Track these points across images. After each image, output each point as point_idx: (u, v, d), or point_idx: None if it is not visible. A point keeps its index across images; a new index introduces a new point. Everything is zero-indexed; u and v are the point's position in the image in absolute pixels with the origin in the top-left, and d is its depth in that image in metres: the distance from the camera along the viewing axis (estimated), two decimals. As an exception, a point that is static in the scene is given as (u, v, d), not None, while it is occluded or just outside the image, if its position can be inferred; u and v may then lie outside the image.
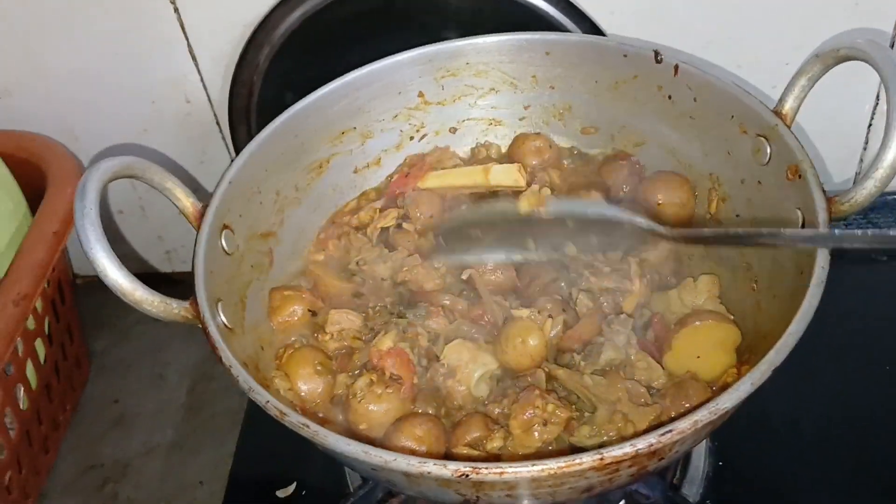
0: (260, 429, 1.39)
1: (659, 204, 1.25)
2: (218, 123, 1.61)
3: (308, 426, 0.87)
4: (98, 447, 1.62)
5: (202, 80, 1.54)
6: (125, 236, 1.82)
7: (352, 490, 1.25)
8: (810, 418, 1.30)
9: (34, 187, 1.50)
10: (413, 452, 1.01)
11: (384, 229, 1.28)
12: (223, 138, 1.63)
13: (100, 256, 0.93)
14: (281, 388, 1.09)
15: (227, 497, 1.31)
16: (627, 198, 1.29)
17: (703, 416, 0.83)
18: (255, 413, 0.94)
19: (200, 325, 0.98)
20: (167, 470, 1.57)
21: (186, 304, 1.00)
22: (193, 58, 1.51)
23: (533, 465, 0.81)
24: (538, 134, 1.38)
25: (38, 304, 1.43)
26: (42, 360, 1.47)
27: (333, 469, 1.30)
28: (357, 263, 1.25)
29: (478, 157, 1.40)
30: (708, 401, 0.85)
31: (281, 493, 1.28)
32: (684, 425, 0.83)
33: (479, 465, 0.81)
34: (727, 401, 0.84)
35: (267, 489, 1.29)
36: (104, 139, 1.64)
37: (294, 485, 1.28)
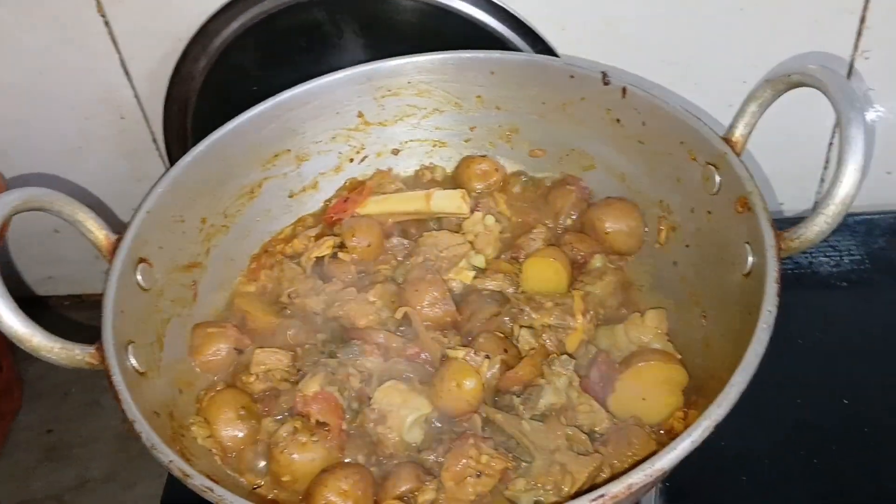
0: None
1: (607, 232, 1.18)
2: (154, 140, 1.54)
3: (212, 490, 0.80)
4: (29, 480, 1.55)
5: (136, 94, 1.47)
6: (61, 256, 1.74)
7: None
8: (766, 451, 1.23)
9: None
10: (337, 508, 0.94)
11: (319, 259, 1.21)
12: (160, 155, 1.56)
13: (-8, 301, 0.85)
14: (199, 437, 1.01)
15: None
16: (575, 225, 1.23)
17: (638, 478, 0.77)
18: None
19: (105, 373, 0.91)
20: None
21: (91, 349, 0.92)
22: (126, 72, 1.43)
23: None
24: (484, 156, 1.31)
25: None
26: None
27: None
28: (289, 296, 1.17)
29: (422, 179, 1.33)
30: (653, 454, 0.79)
31: None
32: (617, 489, 0.77)
33: None
34: (664, 462, 0.78)
35: None
36: (34, 156, 1.57)
37: None
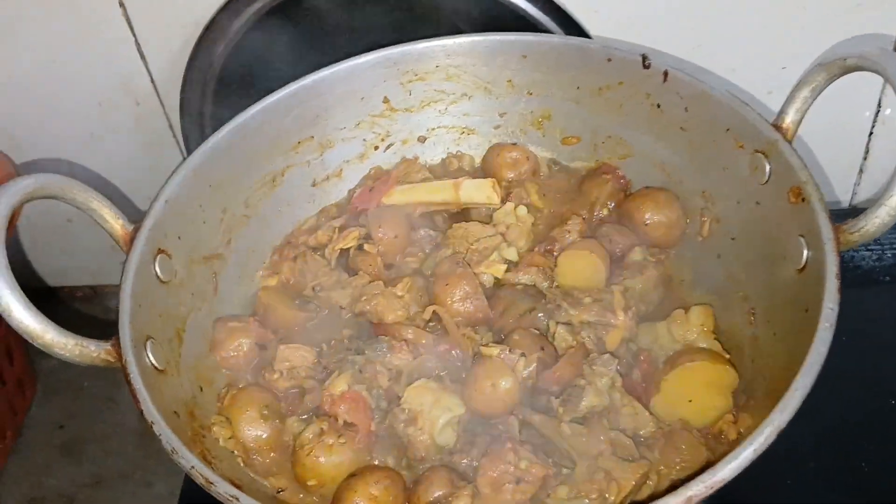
0: None
1: (646, 224, 1.12)
2: (171, 128, 1.48)
3: (238, 499, 0.74)
4: (42, 478, 1.51)
5: (152, 80, 1.41)
6: (75, 247, 1.68)
7: None
8: (810, 452, 1.17)
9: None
10: (367, 515, 0.88)
11: (344, 251, 1.15)
12: (178, 144, 1.50)
13: (3, 293, 0.80)
14: (221, 437, 0.96)
15: None
16: (611, 216, 1.16)
17: (698, 490, 0.72)
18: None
19: (122, 371, 0.85)
20: None
21: (108, 345, 0.87)
22: (142, 56, 1.38)
23: None
24: (514, 144, 1.25)
25: None
26: None
27: None
28: (313, 289, 1.11)
29: (449, 168, 1.26)
30: (704, 460, 0.73)
31: None
32: (676, 501, 0.70)
33: None
34: (725, 472, 0.73)
35: None
36: (49, 145, 1.52)
37: None
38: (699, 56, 1.29)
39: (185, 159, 1.06)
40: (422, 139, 1.27)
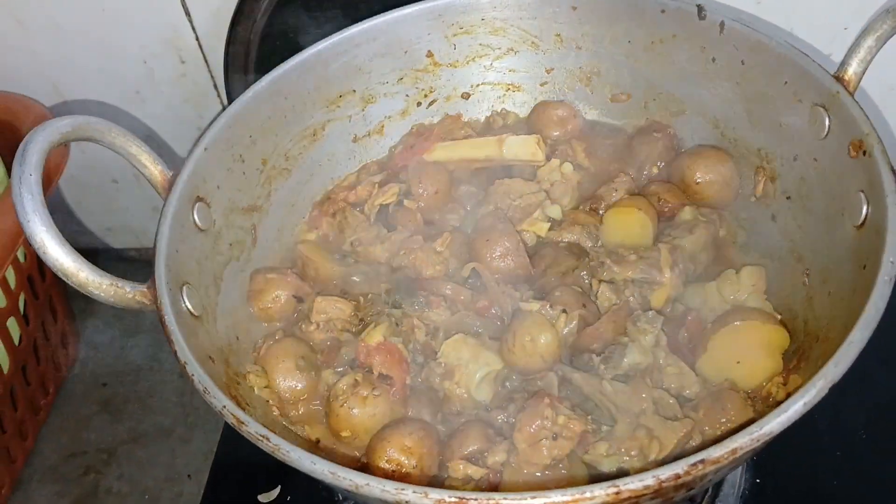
0: None
1: (697, 182, 1.09)
2: (215, 86, 1.48)
3: (268, 439, 0.73)
4: (82, 433, 1.53)
5: (197, 37, 1.41)
6: (121, 208, 1.70)
7: (341, 499, 1.12)
8: (861, 424, 1.14)
9: (13, 149, 1.37)
10: (400, 465, 0.87)
11: (384, 207, 1.14)
12: (221, 101, 1.50)
13: (38, 230, 0.80)
14: (256, 386, 0.95)
15: (205, 497, 1.18)
16: (661, 175, 1.13)
17: (744, 442, 0.69)
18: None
19: (156, 313, 0.85)
20: (153, 460, 1.47)
21: (143, 287, 0.87)
22: (187, 13, 1.37)
23: (533, 497, 0.67)
24: (562, 102, 1.22)
25: (11, 278, 1.31)
26: (16, 341, 1.36)
27: None
28: (352, 244, 1.10)
29: (493, 126, 1.24)
30: (750, 421, 0.70)
31: (263, 498, 1.14)
32: (719, 453, 0.68)
33: (467, 495, 0.67)
34: (773, 425, 0.69)
35: (249, 491, 1.15)
36: (93, 102, 1.52)
37: (278, 489, 1.14)
38: (757, 11, 1.25)
39: (225, 107, 1.06)
40: (465, 95, 1.25)
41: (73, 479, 1.46)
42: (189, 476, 1.44)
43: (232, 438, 1.23)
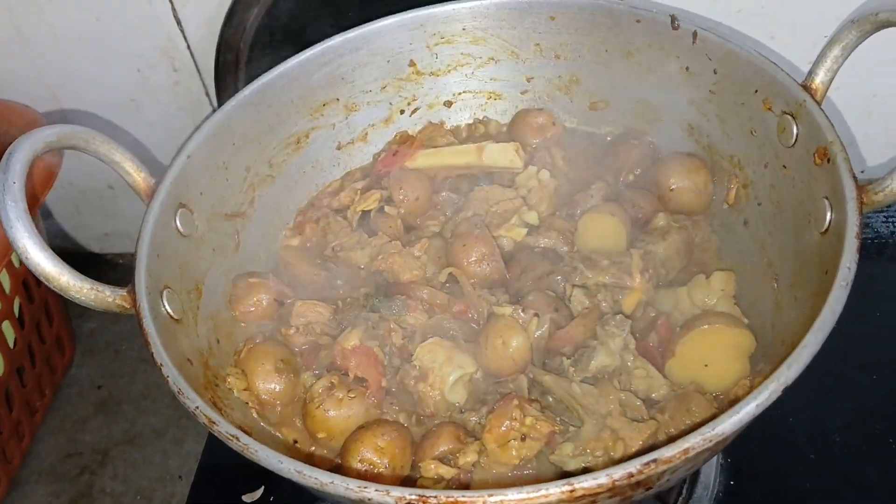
0: None
1: (671, 189, 1.11)
2: (207, 94, 1.51)
3: (238, 438, 0.76)
4: (78, 434, 1.56)
5: (189, 46, 1.44)
6: (117, 214, 1.73)
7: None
8: (838, 428, 1.15)
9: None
10: (373, 465, 0.89)
11: (366, 213, 1.16)
12: (213, 109, 1.53)
13: (20, 236, 0.83)
14: (235, 388, 0.98)
15: (191, 496, 1.21)
16: (638, 182, 1.15)
17: (696, 442, 0.70)
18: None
19: (136, 316, 0.88)
20: (147, 461, 1.50)
21: (123, 291, 0.89)
22: (178, 22, 1.41)
23: (490, 495, 0.69)
24: (541, 110, 1.24)
25: (6, 283, 1.35)
26: (11, 344, 1.39)
27: None
28: (333, 249, 1.13)
29: (475, 134, 1.27)
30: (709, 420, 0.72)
31: (247, 498, 1.17)
32: (671, 453, 0.70)
33: (427, 493, 0.69)
34: (726, 426, 0.71)
35: (233, 492, 1.18)
36: (89, 110, 1.56)
37: (262, 490, 1.17)
38: (738, 22, 1.28)
39: (209, 115, 1.09)
40: (448, 104, 1.27)
41: (69, 480, 1.49)
42: (180, 477, 1.46)
43: (218, 440, 1.26)
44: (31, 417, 1.51)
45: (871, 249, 1.28)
